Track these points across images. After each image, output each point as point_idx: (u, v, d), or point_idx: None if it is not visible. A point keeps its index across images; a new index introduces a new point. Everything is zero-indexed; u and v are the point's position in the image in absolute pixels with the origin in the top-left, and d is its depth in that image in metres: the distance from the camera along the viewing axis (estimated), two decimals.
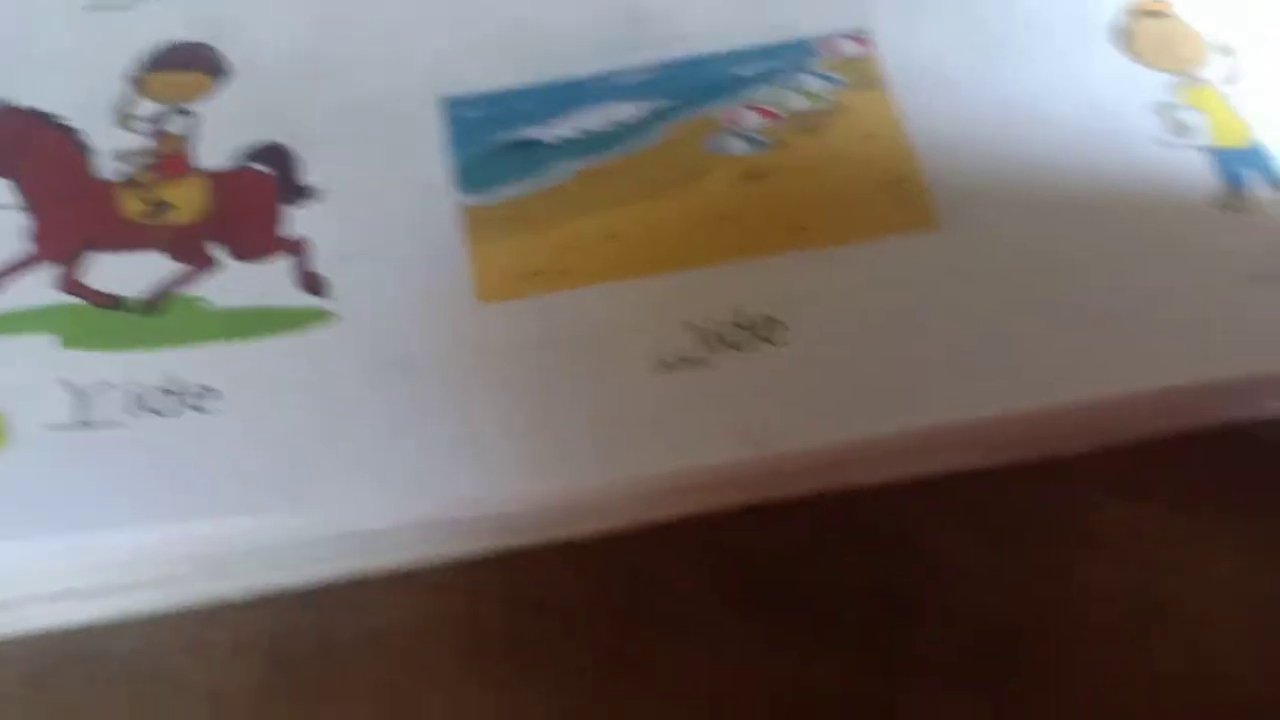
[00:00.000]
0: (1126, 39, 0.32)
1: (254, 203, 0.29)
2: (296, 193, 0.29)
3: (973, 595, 0.26)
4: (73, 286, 0.28)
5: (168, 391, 0.26)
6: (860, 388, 0.26)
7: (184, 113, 0.31)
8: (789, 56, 0.31)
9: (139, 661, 0.25)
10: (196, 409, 0.26)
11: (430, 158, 0.30)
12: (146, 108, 0.31)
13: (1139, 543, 0.26)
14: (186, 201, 0.29)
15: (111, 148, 0.30)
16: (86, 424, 0.26)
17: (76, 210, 0.29)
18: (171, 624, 0.25)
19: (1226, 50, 0.32)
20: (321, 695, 0.24)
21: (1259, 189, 0.29)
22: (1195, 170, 0.29)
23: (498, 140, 0.30)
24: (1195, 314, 0.27)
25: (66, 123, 0.30)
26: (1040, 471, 0.27)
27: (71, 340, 0.27)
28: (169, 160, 0.30)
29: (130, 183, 0.30)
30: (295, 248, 0.29)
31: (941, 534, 0.26)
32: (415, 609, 0.25)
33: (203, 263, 0.28)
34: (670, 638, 0.25)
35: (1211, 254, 0.28)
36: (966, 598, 0.26)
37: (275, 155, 0.30)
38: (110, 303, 0.28)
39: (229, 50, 0.32)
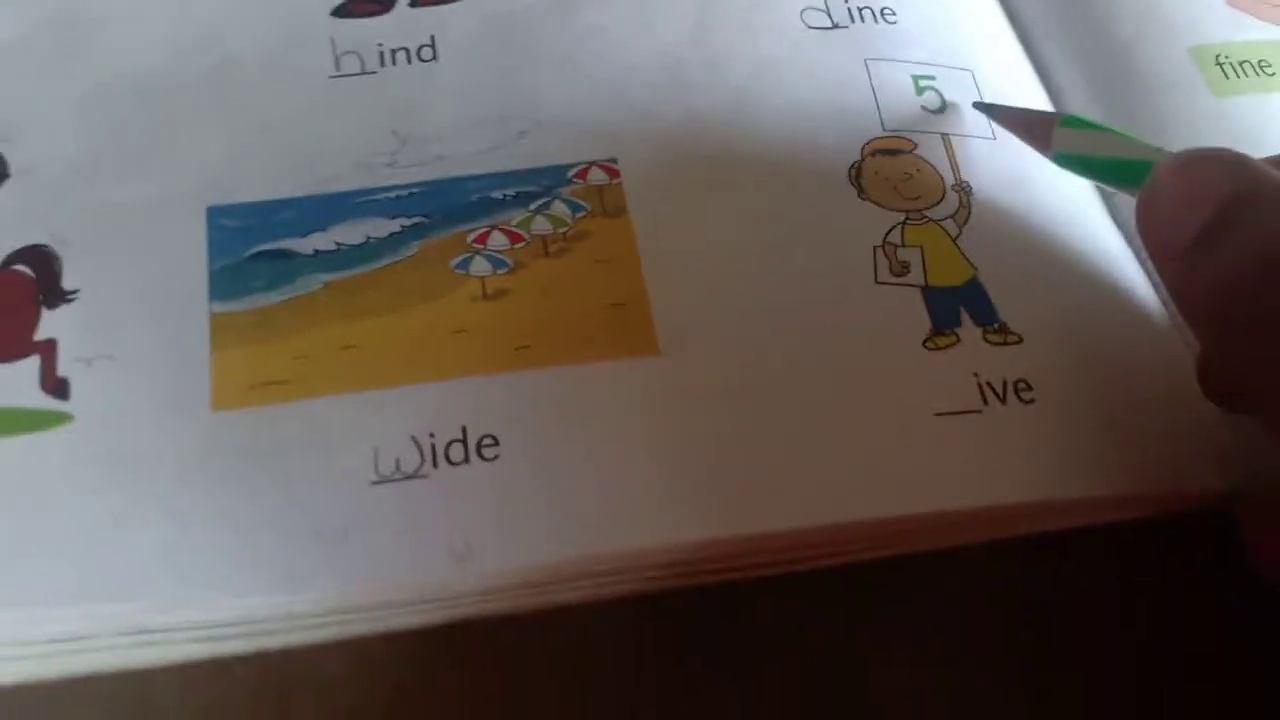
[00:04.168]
0: (861, 177, 0.33)
1: (11, 303, 0.31)
2: (56, 295, 0.31)
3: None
4: None
5: None
6: (568, 508, 0.28)
7: None
8: (542, 182, 0.33)
9: None
10: None
11: (188, 265, 0.31)
12: None
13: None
14: None
15: None
16: None
17: None
18: None
19: (961, 189, 0.34)
20: None
21: (967, 327, 0.31)
22: (909, 308, 0.31)
23: (254, 249, 0.32)
24: (890, 449, 0.29)
25: None
26: (746, 591, 0.28)
27: None
28: None
29: None
30: (44, 350, 0.30)
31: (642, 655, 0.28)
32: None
33: None
34: None
35: (912, 389, 0.30)
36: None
37: (36, 257, 0.31)
38: None
39: (9, 153, 0.33)
